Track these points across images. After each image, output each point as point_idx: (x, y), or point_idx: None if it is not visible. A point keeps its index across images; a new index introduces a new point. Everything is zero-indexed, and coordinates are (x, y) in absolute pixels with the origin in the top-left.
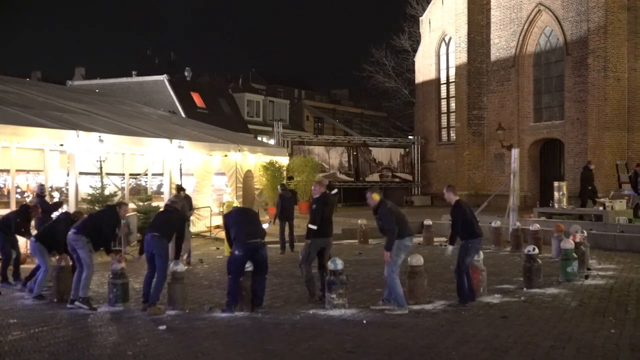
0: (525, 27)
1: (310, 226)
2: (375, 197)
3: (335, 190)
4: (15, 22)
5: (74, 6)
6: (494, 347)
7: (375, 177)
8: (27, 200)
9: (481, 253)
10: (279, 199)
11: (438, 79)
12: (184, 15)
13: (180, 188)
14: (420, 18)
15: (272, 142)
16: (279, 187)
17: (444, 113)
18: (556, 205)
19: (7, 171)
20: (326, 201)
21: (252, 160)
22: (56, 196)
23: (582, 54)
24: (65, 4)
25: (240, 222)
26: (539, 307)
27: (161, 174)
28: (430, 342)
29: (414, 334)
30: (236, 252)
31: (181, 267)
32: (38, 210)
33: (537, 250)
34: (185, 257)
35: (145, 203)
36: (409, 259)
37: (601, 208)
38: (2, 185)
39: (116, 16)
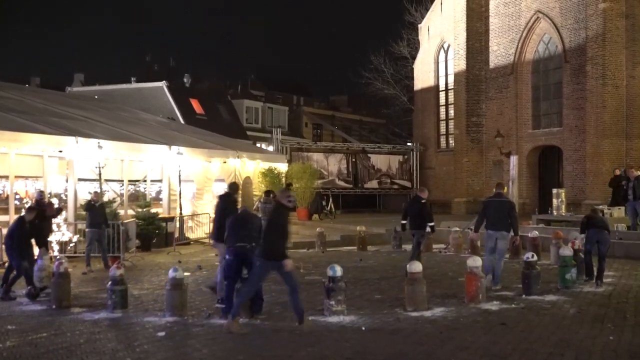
0: (524, 34)
1: None
2: None
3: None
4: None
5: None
6: (493, 353)
7: (374, 183)
8: (26, 206)
9: (479, 260)
10: None
11: (437, 86)
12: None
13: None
14: (419, 25)
15: (270, 148)
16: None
17: (443, 120)
18: (555, 212)
19: (6, 177)
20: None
21: (251, 166)
22: (55, 202)
23: (581, 61)
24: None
25: (234, 225)
26: (538, 314)
27: (160, 181)
28: (429, 348)
29: (412, 341)
30: (227, 257)
31: (180, 274)
32: (53, 207)
33: (535, 257)
34: None
35: (144, 209)
36: (407, 266)
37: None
38: (1, 192)
39: (115, 23)
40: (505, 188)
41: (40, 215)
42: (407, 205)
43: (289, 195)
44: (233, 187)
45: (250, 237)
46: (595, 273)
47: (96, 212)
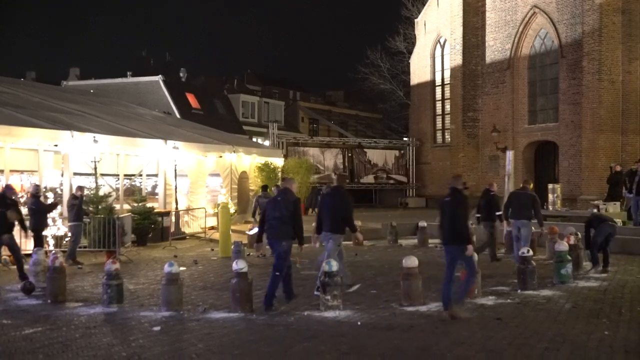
0: (520, 29)
1: None
2: None
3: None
4: (10, 21)
5: (69, 6)
6: (489, 348)
7: (370, 178)
8: (22, 200)
9: (475, 255)
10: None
11: (433, 81)
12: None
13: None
14: (416, 20)
15: (267, 143)
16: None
17: (439, 115)
18: (550, 208)
19: (1, 171)
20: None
21: (247, 161)
22: (50, 197)
23: (577, 56)
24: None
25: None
26: (533, 309)
27: (156, 175)
28: (424, 343)
29: (408, 336)
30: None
31: (176, 269)
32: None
33: (531, 252)
34: None
35: (140, 204)
36: (403, 260)
37: (595, 210)
38: None
39: (111, 17)
40: (531, 184)
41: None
42: (480, 198)
43: (463, 182)
44: (342, 179)
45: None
46: (600, 261)
47: (80, 206)
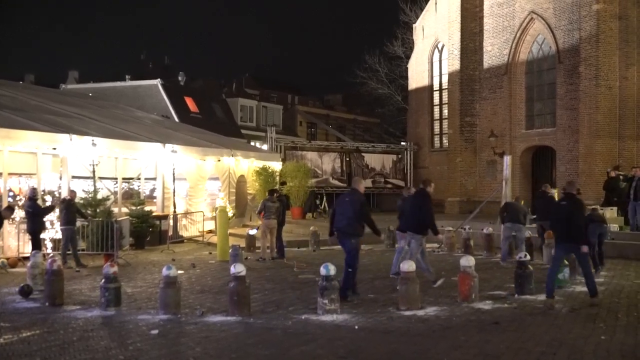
0: (518, 35)
1: None
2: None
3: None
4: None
5: (68, 9)
6: (486, 352)
7: (367, 183)
8: (19, 203)
9: (472, 259)
10: None
11: (431, 86)
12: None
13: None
14: (414, 25)
15: (265, 147)
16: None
17: (437, 120)
18: None
19: (0, 174)
20: None
21: (245, 165)
22: (48, 200)
23: (574, 62)
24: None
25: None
26: (531, 313)
27: (154, 178)
28: (422, 347)
29: (406, 340)
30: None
31: (173, 272)
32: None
33: (528, 257)
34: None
35: (138, 207)
36: (400, 265)
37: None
38: None
39: (111, 20)
40: (579, 189)
41: None
42: (538, 201)
43: (577, 187)
44: (427, 182)
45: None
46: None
47: (72, 209)
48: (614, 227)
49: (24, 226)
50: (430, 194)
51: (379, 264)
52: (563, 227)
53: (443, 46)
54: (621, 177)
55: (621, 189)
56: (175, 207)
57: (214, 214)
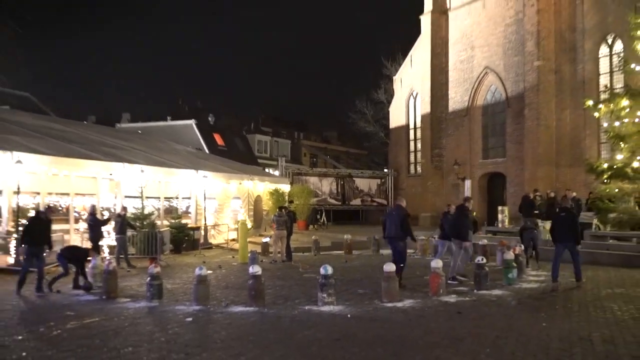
0: (476, 85)
1: None
2: None
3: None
4: (75, 74)
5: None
6: (452, 336)
7: (357, 201)
8: (83, 218)
9: (440, 261)
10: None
11: (407, 125)
12: (209, 69)
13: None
14: (394, 77)
15: (276, 173)
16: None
17: (412, 151)
18: (500, 225)
19: (68, 194)
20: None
21: (261, 187)
22: (106, 214)
23: (520, 106)
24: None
25: (385, 221)
26: (487, 305)
27: (189, 198)
28: (401, 332)
29: (389, 326)
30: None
31: (204, 272)
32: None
33: (485, 260)
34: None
35: (176, 221)
36: (383, 266)
37: (525, 224)
38: (64, 206)
39: (154, 71)
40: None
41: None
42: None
43: (564, 197)
44: (468, 200)
45: (394, 230)
46: (535, 259)
47: (124, 222)
48: (549, 236)
49: (86, 235)
50: (468, 209)
51: (366, 266)
52: (562, 231)
53: (417, 94)
54: (538, 197)
55: (539, 206)
56: (205, 220)
57: (236, 226)
